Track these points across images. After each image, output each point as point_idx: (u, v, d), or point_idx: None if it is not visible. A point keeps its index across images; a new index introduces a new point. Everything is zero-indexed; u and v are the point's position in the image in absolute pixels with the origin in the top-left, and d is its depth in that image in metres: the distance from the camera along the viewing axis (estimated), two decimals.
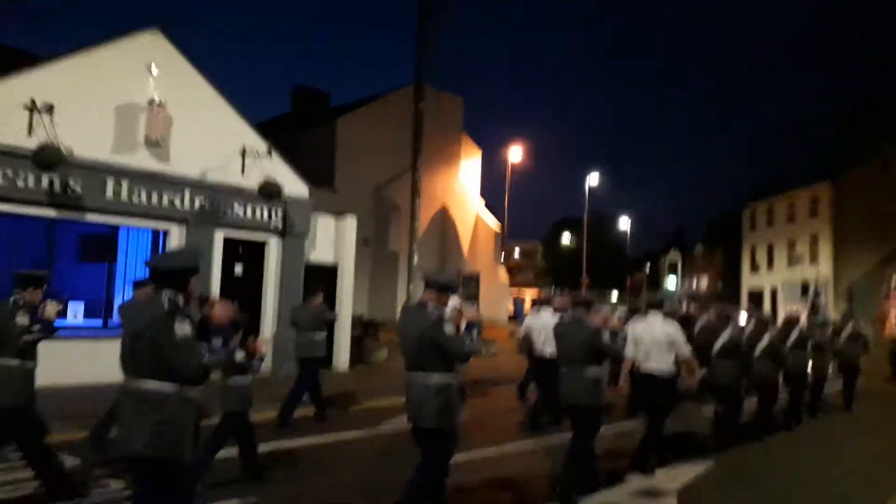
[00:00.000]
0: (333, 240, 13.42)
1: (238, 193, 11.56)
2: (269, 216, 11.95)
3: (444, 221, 28.43)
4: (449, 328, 4.14)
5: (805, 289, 39.21)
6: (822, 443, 8.52)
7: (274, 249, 12.03)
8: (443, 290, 4.34)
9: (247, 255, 11.97)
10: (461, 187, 29.51)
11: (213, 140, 11.44)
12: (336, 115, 26.11)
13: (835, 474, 6.97)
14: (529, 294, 33.16)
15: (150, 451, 3.00)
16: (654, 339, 6.21)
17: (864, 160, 39.68)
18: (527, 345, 8.90)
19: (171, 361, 3.02)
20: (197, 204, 11.07)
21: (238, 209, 11.60)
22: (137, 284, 6.08)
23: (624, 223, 60.74)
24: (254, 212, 11.75)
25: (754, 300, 46.62)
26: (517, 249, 50.64)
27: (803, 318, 9.96)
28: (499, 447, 7.34)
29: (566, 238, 69.00)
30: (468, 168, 30.33)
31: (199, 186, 11.11)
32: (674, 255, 21.23)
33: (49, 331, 4.80)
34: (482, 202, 31.35)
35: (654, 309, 6.57)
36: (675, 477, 6.26)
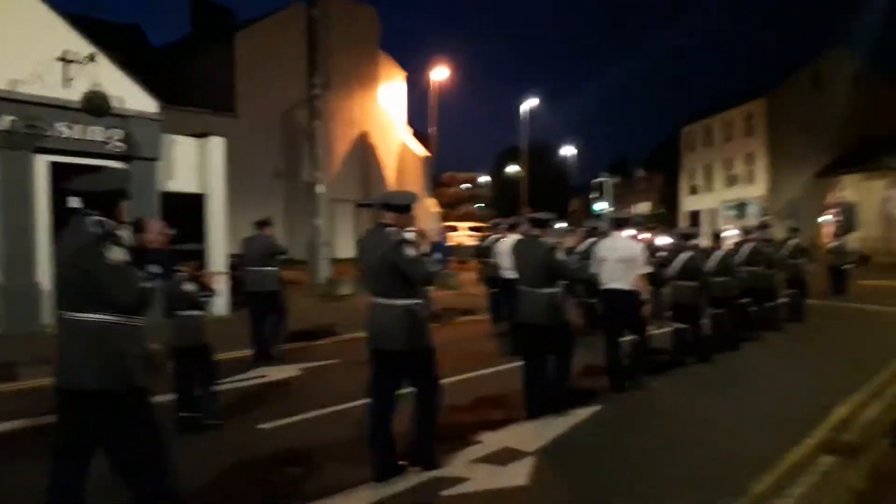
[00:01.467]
0: (197, 165, 11.41)
1: (61, 110, 9.46)
2: (106, 137, 9.89)
3: (364, 148, 26.44)
4: (409, 251, 3.93)
5: (742, 207, 39.14)
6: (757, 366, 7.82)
7: None
8: (402, 210, 4.11)
9: None
10: (382, 111, 27.40)
11: (24, 44, 9.25)
12: (235, 31, 23.31)
13: (754, 408, 5.96)
14: (461, 225, 31.76)
15: (100, 384, 2.81)
16: (618, 257, 6.23)
17: (795, 75, 39.04)
18: (492, 270, 9.06)
19: (106, 290, 2.79)
20: (5, 122, 8.99)
21: (63, 129, 9.52)
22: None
23: (567, 151, 59.83)
24: (84, 132, 9.68)
25: (694, 222, 46.77)
26: (466, 185, 49.00)
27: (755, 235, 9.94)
28: (484, 370, 7.25)
29: (511, 168, 67.56)
30: (391, 92, 28.14)
31: (5, 100, 9.00)
32: (602, 179, 20.33)
33: None
34: (409, 129, 29.37)
35: (618, 228, 6.61)
36: (552, 428, 5.19)
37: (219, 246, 11.56)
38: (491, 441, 4.85)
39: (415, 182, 28.27)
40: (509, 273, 7.50)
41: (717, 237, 8.74)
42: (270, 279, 7.75)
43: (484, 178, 71.18)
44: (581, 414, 5.47)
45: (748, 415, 5.68)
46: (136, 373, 2.90)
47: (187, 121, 22.22)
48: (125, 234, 3.04)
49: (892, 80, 39.85)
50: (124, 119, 9.67)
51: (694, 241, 7.77)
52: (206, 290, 5.29)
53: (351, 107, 25.90)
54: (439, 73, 28.07)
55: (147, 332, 3.03)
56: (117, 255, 2.81)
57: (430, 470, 4.19)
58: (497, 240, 9.07)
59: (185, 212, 10.69)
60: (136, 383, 2.90)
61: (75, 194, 3.02)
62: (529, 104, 38.48)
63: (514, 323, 6.56)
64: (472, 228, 30.07)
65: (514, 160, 70.17)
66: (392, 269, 3.94)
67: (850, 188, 35.05)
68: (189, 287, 5.03)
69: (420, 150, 28.84)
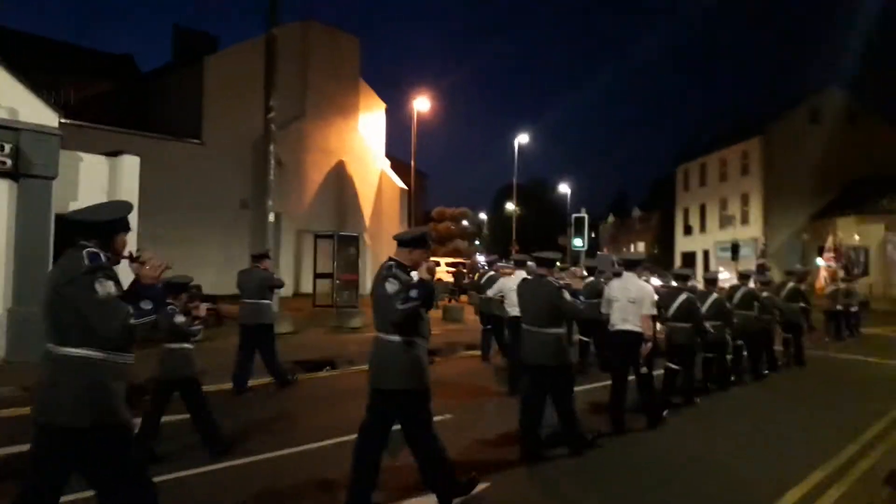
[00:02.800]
0: (106, 187, 10.34)
1: None
2: None
3: (340, 178, 25.56)
4: (390, 286, 3.92)
5: (735, 249, 38.06)
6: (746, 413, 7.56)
7: (4, 195, 8.94)
8: (411, 246, 4.11)
9: None
10: (361, 141, 26.61)
11: None
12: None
13: (729, 459, 5.61)
14: (444, 261, 30.68)
15: (79, 421, 2.73)
16: (630, 298, 6.24)
17: (791, 113, 38.41)
18: (490, 306, 9.14)
19: (92, 323, 2.72)
20: None
21: None
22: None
23: (563, 188, 59.19)
24: None
25: (688, 263, 45.72)
26: (461, 220, 48.08)
27: (751, 281, 9.88)
28: (481, 408, 7.29)
29: (508, 206, 66.94)
30: (371, 122, 27.41)
31: None
32: (580, 214, 19.43)
33: None
34: (388, 161, 28.57)
35: (630, 269, 6.54)
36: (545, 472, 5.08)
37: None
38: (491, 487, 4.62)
39: (393, 215, 27.34)
40: (510, 310, 7.84)
41: (709, 282, 8.60)
42: (265, 312, 7.82)
43: (482, 216, 70.58)
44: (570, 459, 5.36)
45: (743, 456, 5.60)
46: (119, 409, 2.85)
47: (150, 147, 21.43)
48: (133, 266, 2.97)
49: (889, 119, 39.19)
50: (14, 132, 8.65)
51: (691, 283, 7.84)
52: (197, 321, 5.31)
53: (328, 136, 25.14)
54: (422, 104, 27.46)
55: (130, 367, 2.96)
56: (107, 288, 2.75)
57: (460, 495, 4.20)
58: (491, 276, 9.02)
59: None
60: (119, 420, 2.85)
61: (73, 224, 2.94)
62: (520, 140, 37.93)
63: (518, 362, 6.63)
64: (449, 265, 29.00)
65: (511, 197, 70.07)
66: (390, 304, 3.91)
67: (846, 231, 34.02)
68: (180, 319, 5.01)
69: (399, 182, 27.97)
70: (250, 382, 7.72)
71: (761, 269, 11.25)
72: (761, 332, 9.45)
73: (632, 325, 6.20)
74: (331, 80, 24.88)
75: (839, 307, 14.23)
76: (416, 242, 4.09)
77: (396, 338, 3.95)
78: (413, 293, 3.80)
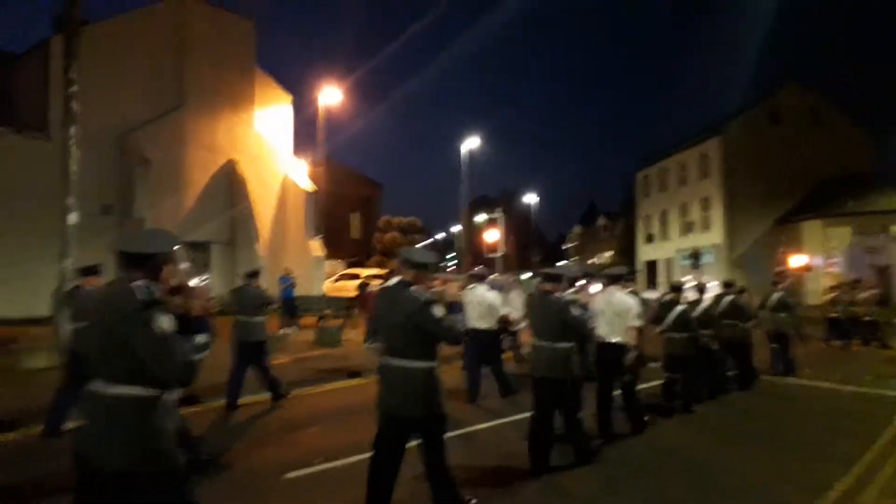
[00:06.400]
0: None
1: None
2: None
3: (230, 180, 22.28)
4: (437, 311, 3.85)
5: (696, 257, 35.28)
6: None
7: None
8: (420, 268, 4.02)
9: None
10: (257, 138, 23.38)
11: None
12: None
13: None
14: (365, 273, 27.42)
15: (136, 466, 2.59)
16: (615, 311, 6.44)
17: (751, 111, 35.92)
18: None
19: (150, 363, 2.55)
20: None
21: None
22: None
23: (530, 199, 56.41)
24: None
25: (650, 272, 42.97)
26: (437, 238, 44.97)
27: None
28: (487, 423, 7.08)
29: (479, 218, 64.09)
30: (272, 117, 24.23)
31: None
32: (494, 216, 17.01)
33: None
34: (297, 161, 25.35)
35: (614, 282, 6.76)
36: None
37: None
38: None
39: (297, 221, 24.09)
40: (477, 323, 8.34)
41: (674, 290, 8.31)
42: (259, 329, 7.96)
43: (454, 229, 67.50)
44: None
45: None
46: (174, 452, 2.69)
47: None
48: (178, 298, 2.78)
49: (854, 117, 36.83)
50: None
51: (684, 294, 8.13)
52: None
53: (214, 131, 21.92)
54: (329, 97, 24.39)
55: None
56: (165, 324, 2.60)
57: None
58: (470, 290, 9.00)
59: None
60: (174, 463, 2.69)
61: (121, 255, 2.76)
62: (470, 146, 34.95)
63: (473, 371, 8.30)
64: (376, 277, 25.85)
65: (484, 208, 67.31)
66: (418, 329, 3.85)
67: (810, 236, 31.36)
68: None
69: (306, 184, 24.72)
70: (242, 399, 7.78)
71: (728, 284, 10.27)
72: (744, 342, 9.51)
73: (617, 337, 6.43)
74: (217, 67, 21.71)
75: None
76: (431, 266, 4.10)
77: (421, 363, 3.90)
78: (459, 315, 4.22)
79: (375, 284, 24.81)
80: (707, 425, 7.27)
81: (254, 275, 8.41)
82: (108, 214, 19.63)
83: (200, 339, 2.72)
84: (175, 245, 2.87)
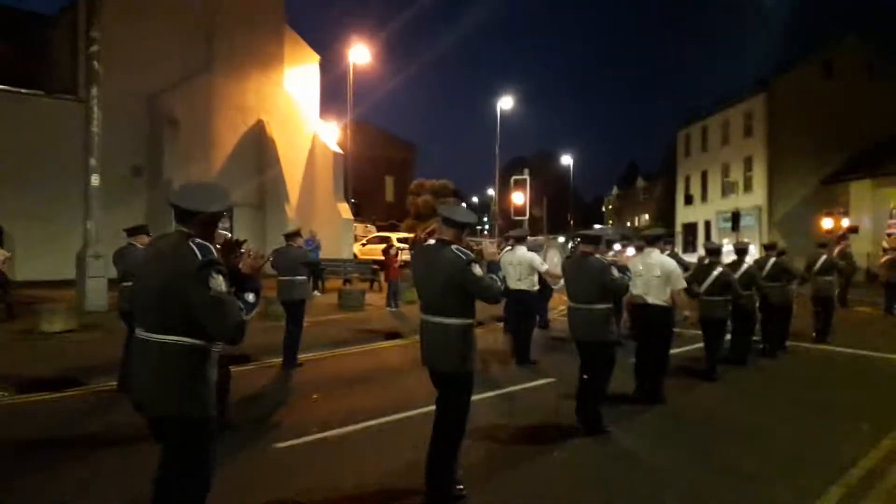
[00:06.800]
0: None
1: None
2: None
3: (260, 140, 22.30)
4: (478, 270, 3.83)
5: (736, 219, 34.14)
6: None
7: None
8: (462, 227, 4.02)
9: None
10: (287, 99, 23.27)
11: None
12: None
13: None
14: (395, 236, 27.37)
15: (182, 411, 2.70)
16: (652, 274, 6.40)
17: (802, 66, 34.03)
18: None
19: (205, 320, 2.65)
20: None
21: None
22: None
23: (568, 160, 55.33)
24: None
25: (689, 234, 41.91)
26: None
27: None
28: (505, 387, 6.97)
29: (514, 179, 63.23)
30: (300, 77, 24.04)
31: None
32: (520, 177, 16.60)
33: None
34: (322, 123, 25.19)
35: (652, 244, 6.70)
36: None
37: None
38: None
39: (326, 183, 24.06)
40: (517, 284, 8.32)
41: (711, 253, 8.22)
42: (299, 289, 8.13)
43: (490, 192, 66.84)
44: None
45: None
46: (211, 401, 2.80)
47: (21, 106, 18.35)
48: (232, 256, 2.92)
49: None
50: None
51: (722, 256, 8.00)
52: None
53: (244, 91, 21.88)
54: (359, 55, 23.98)
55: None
56: (220, 284, 2.66)
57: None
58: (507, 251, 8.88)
59: None
60: (210, 412, 2.79)
61: (179, 211, 2.79)
62: (502, 105, 34.23)
63: (517, 333, 8.45)
64: (400, 240, 25.81)
65: (520, 169, 66.45)
66: (459, 288, 3.84)
67: (858, 197, 29.93)
68: None
69: (335, 146, 24.59)
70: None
71: (771, 246, 9.93)
72: (785, 305, 9.27)
73: (655, 299, 6.39)
74: (246, 27, 21.51)
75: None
76: (470, 226, 4.09)
77: (458, 320, 3.91)
78: (500, 274, 3.99)
79: (401, 247, 24.88)
80: (737, 388, 7.26)
81: (294, 235, 8.48)
82: (138, 176, 19.92)
83: (249, 297, 2.81)
84: (229, 203, 2.94)
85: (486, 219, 75.43)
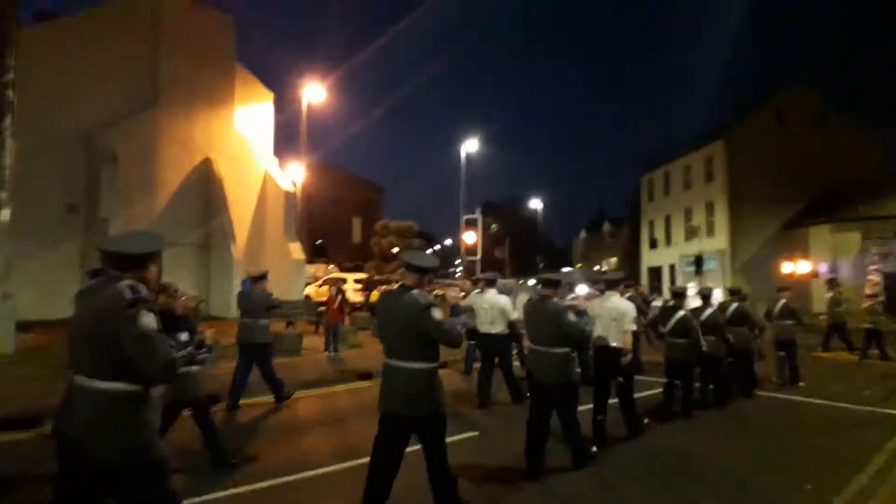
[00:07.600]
0: None
1: None
2: None
3: (206, 180, 21.53)
4: (437, 314, 3.91)
5: (699, 262, 34.07)
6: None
7: None
8: (424, 272, 4.13)
9: None
10: (236, 137, 22.65)
11: None
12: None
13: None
14: (352, 277, 26.57)
15: (120, 458, 2.67)
16: (610, 317, 6.53)
17: (756, 113, 34.71)
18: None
19: (134, 359, 2.63)
20: None
21: None
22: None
23: (536, 205, 55.40)
24: None
25: (654, 278, 41.79)
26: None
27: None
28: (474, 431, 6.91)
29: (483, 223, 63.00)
30: (252, 115, 23.50)
31: None
32: (473, 216, 16.29)
33: None
34: (276, 160, 24.59)
35: (611, 288, 6.91)
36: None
37: None
38: None
39: (276, 223, 23.29)
40: (489, 328, 8.35)
41: (676, 296, 8.42)
42: (260, 332, 8.01)
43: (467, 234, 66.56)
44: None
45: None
46: (157, 444, 2.77)
47: None
48: (162, 297, 3.17)
49: (860, 120, 35.55)
50: None
51: (686, 300, 8.23)
52: (204, 347, 4.65)
53: (190, 128, 21.18)
54: (313, 94, 23.57)
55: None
56: (149, 322, 2.67)
57: None
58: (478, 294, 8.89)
59: None
60: (159, 455, 2.76)
61: (107, 255, 2.90)
62: (467, 148, 34.04)
63: (486, 375, 8.19)
64: (357, 281, 25.01)
65: (491, 214, 66.49)
66: (420, 332, 3.89)
67: (818, 241, 30.10)
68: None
69: (287, 185, 23.93)
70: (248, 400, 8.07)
71: (735, 292, 10.04)
72: (748, 350, 9.39)
73: (614, 341, 6.52)
74: (194, 63, 20.98)
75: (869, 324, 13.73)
76: (432, 271, 4.17)
77: (422, 364, 3.94)
78: (463, 318, 4.59)
79: (355, 288, 24.04)
80: (707, 430, 7.26)
81: (260, 278, 8.40)
82: (73, 213, 18.93)
83: (183, 336, 2.95)
84: (161, 246, 2.97)
85: (458, 262, 75.06)
